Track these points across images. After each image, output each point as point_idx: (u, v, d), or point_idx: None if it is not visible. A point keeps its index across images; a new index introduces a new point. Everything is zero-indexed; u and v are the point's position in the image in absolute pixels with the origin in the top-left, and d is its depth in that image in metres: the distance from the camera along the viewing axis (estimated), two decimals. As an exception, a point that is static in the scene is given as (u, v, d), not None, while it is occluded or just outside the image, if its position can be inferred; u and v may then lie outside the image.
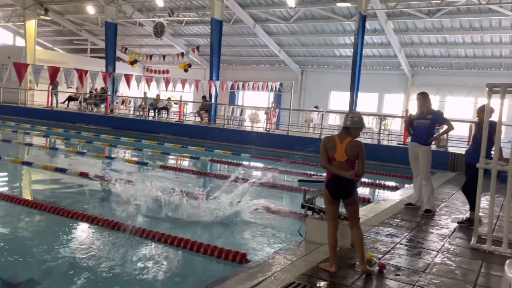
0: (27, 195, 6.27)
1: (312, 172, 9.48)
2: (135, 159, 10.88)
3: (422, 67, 21.63)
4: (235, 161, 11.17)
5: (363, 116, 3.80)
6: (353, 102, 15.60)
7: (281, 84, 22.08)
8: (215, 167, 10.75)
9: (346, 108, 16.87)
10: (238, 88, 19.98)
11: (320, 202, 4.69)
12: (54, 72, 14.93)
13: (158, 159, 11.25)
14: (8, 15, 26.80)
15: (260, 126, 17.66)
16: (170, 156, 11.95)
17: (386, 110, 21.54)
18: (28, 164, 8.81)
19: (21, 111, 20.77)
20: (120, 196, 6.66)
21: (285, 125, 15.82)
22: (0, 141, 12.66)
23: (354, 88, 15.62)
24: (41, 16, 24.26)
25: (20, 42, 29.27)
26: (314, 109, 18.18)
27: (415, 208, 6.11)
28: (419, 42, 19.68)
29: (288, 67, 24.56)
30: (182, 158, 11.86)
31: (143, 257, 4.26)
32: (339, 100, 23.03)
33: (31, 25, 24.02)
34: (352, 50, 17.51)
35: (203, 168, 10.52)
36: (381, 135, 13.70)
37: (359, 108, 17.29)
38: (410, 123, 6.09)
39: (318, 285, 3.33)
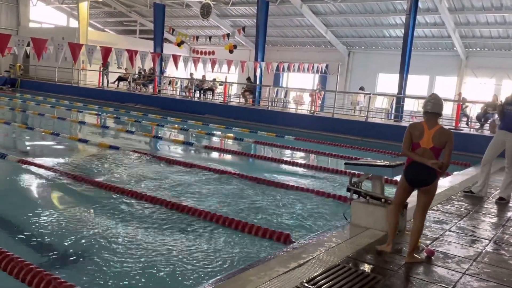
0: (84, 172, 6.58)
1: (357, 156, 9.32)
2: (181, 139, 11.12)
3: (478, 49, 20.48)
4: (279, 143, 11.17)
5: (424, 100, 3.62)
6: (402, 84, 15.09)
7: (327, 66, 21.67)
8: (259, 149, 10.79)
9: (394, 91, 16.35)
10: (283, 69, 19.82)
11: (366, 186, 4.62)
12: (106, 52, 15.41)
13: (203, 139, 11.45)
14: (62, -3, 27.81)
15: (305, 109, 17.48)
16: (214, 137, 12.12)
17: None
18: (84, 141, 9.24)
19: (75, 90, 21.69)
20: (167, 175, 6.87)
21: (330, 107, 15.57)
22: (56, 119, 13.31)
23: (404, 70, 15.08)
24: (93, -2, 24.99)
25: (73, 23, 30.37)
26: (361, 91, 17.74)
27: (472, 197, 5.87)
28: (476, 22, 18.59)
29: (334, 48, 24.02)
30: (226, 139, 12.00)
31: (190, 236, 4.37)
32: (387, 82, 22.34)
33: (84, 6, 24.81)
34: (402, 30, 16.85)
35: (247, 149, 10.59)
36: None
37: (409, 91, 16.72)
38: (501, 110, 5.76)
39: (363, 268, 3.30)
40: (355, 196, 4.38)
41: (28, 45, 13.75)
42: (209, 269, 3.65)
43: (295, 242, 4.06)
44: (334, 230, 4.19)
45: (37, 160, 6.96)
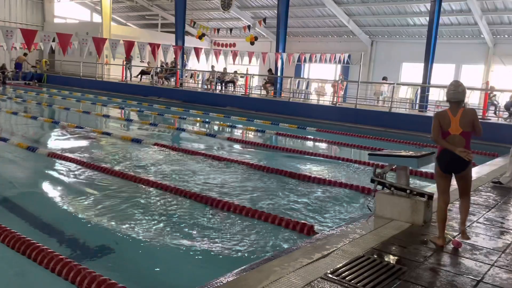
0: (109, 164, 6.71)
1: (381, 147, 9.19)
2: (203, 131, 11.19)
3: (506, 36, 19.82)
4: (300, 135, 11.12)
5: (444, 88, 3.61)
6: (427, 73, 14.78)
7: (349, 56, 21.39)
8: (280, 141, 10.77)
9: (418, 80, 16.03)
10: (304, 60, 19.66)
11: (391, 177, 4.56)
12: (129, 46, 15.59)
13: (224, 132, 11.50)
14: (85, -7, 28.22)
15: (327, 100, 17.33)
16: (236, 129, 12.15)
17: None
18: (108, 134, 9.41)
19: (99, 85, 22.06)
20: (189, 167, 6.93)
21: (353, 98, 15.39)
22: (81, 112, 13.58)
23: (428, 59, 14.76)
24: (116, -7, 25.25)
25: (96, 18, 30.81)
26: (384, 81, 17.46)
27: (500, 188, 5.72)
28: (504, 8, 17.97)
29: (357, 38, 23.66)
30: (247, 131, 12.01)
31: (213, 226, 4.41)
32: (411, 72, 21.91)
33: (107, 1, 25.11)
34: (427, 18, 16.47)
35: (269, 141, 10.58)
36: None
37: (434, 81, 16.36)
38: None
39: (387, 259, 3.27)
40: (379, 187, 4.33)
41: (54, 40, 14.04)
42: (232, 259, 3.68)
43: (318, 233, 4.05)
44: (358, 222, 4.15)
45: (65, 153, 7.12)
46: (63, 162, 6.63)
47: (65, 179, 5.89)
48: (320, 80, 20.59)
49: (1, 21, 25.84)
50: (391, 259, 3.30)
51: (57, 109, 14.09)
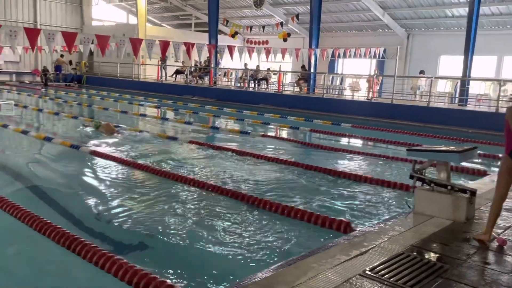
0: (146, 161, 6.87)
1: (418, 143, 8.96)
2: (237, 128, 11.25)
3: (552, 24, 18.89)
4: (335, 131, 10.99)
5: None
6: (467, 66, 14.27)
7: (384, 50, 20.95)
8: (315, 137, 10.69)
9: (458, 73, 15.50)
10: (338, 56, 19.41)
11: (430, 173, 4.44)
12: (164, 46, 15.88)
13: (258, 129, 11.53)
14: (122, -5, 28.97)
15: (361, 95, 17.05)
16: (269, 126, 12.16)
17: (505, 75, 19.32)
18: (146, 132, 9.64)
19: (135, 85, 22.60)
20: (224, 165, 7.00)
21: (389, 93, 15.07)
22: (119, 112, 13.97)
23: (468, 51, 14.26)
24: (151, -6, 25.78)
25: (132, 20, 31.57)
26: (421, 75, 16.99)
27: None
28: (550, -5, 17.13)
29: (392, 32, 23.13)
30: (281, 128, 11.99)
31: (249, 224, 4.44)
32: (450, 65, 21.22)
33: (142, 3, 25.68)
34: (466, 9, 15.91)
35: (303, 138, 10.53)
36: (500, 102, 12.37)
37: (474, 73, 15.79)
38: None
39: (428, 257, 3.19)
40: (418, 183, 4.23)
41: (92, 42, 14.49)
42: (269, 256, 3.69)
43: (355, 230, 4.00)
44: (397, 219, 4.07)
45: (105, 151, 7.35)
46: (104, 159, 6.85)
47: (106, 176, 6.08)
48: (355, 76, 20.27)
49: (42, 25, 26.90)
50: (432, 256, 3.21)
51: (96, 109, 14.54)
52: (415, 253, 3.24)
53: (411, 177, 4.23)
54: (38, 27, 25.93)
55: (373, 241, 3.45)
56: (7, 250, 3.71)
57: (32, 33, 12.05)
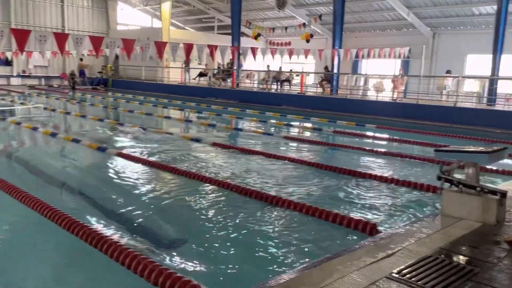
0: (171, 162, 6.96)
1: (445, 144, 8.78)
2: (260, 130, 11.27)
3: None
4: (359, 132, 10.88)
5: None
6: (495, 65, 13.91)
7: (409, 50, 20.62)
8: (338, 138, 10.61)
9: (486, 72, 15.11)
10: (362, 56, 19.22)
11: (458, 174, 4.34)
12: (188, 49, 16.07)
13: (281, 130, 11.52)
14: (146, -1, 29.50)
15: (386, 96, 16.82)
16: (292, 127, 12.13)
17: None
18: (170, 134, 9.76)
19: (159, 87, 22.93)
20: (248, 166, 7.02)
21: (414, 93, 14.83)
22: (144, 114, 14.19)
23: (497, 50, 13.90)
24: (174, -2, 26.15)
25: (156, 23, 32.06)
26: (448, 74, 16.64)
27: None
28: None
29: (417, 31, 22.75)
30: (304, 129, 11.95)
31: (274, 224, 4.44)
32: (477, 64, 20.71)
33: (166, 6, 26.05)
34: (494, 7, 15.48)
35: (327, 139, 10.46)
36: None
37: (503, 72, 15.37)
38: None
39: (457, 260, 3.12)
40: (446, 185, 4.14)
41: (117, 46, 14.78)
42: (294, 257, 3.68)
43: (381, 232, 3.95)
44: (424, 221, 3.99)
45: (131, 153, 7.48)
46: (130, 161, 6.98)
47: (132, 177, 6.18)
48: (379, 76, 20.03)
49: (70, 30, 27.61)
50: (461, 259, 3.14)
51: (121, 111, 14.81)
52: (443, 256, 3.17)
53: (439, 178, 4.15)
54: (66, 32, 26.64)
55: (399, 243, 3.39)
56: (35, 248, 3.81)
57: (60, 38, 12.40)
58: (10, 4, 25.93)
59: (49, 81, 27.66)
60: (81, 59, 25.88)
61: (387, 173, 6.58)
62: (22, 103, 15.48)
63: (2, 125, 10.74)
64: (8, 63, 26.12)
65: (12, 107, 14.02)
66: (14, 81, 26.48)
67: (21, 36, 11.53)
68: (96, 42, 12.95)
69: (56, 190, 5.53)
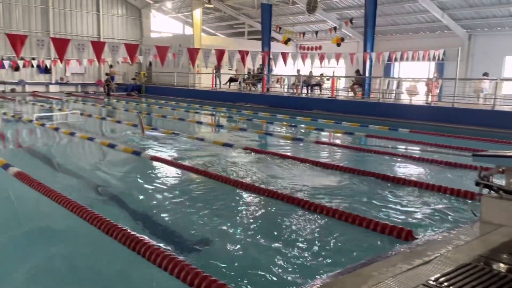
0: (203, 166, 7.04)
1: (483, 148, 8.50)
2: (290, 135, 11.25)
3: None
4: (392, 136, 10.69)
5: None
6: (536, 67, 13.36)
7: (444, 52, 20.15)
8: (371, 143, 10.45)
9: (526, 74, 14.57)
10: (395, 59, 18.90)
11: (498, 179, 4.20)
12: (220, 55, 16.26)
13: (312, 135, 11.46)
14: (178, 6, 30.05)
15: (420, 99, 16.46)
16: (323, 132, 12.05)
17: None
18: (201, 139, 9.89)
19: (191, 93, 23.28)
20: (279, 170, 7.02)
21: (449, 96, 14.44)
22: (176, 120, 14.44)
23: (537, 51, 13.34)
24: (205, 5, 26.55)
25: (188, 30, 32.61)
26: (485, 77, 16.13)
27: None
28: None
29: (452, 33, 22.17)
30: (335, 134, 11.85)
31: (307, 229, 4.42)
32: (516, 66, 20.01)
33: (197, 14, 26.48)
34: (535, 6, 14.92)
35: (359, 143, 10.33)
36: None
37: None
38: None
39: (497, 268, 3.01)
40: (485, 191, 4.01)
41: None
42: (327, 263, 3.65)
43: (417, 238, 3.86)
44: (461, 227, 3.88)
45: (164, 157, 7.63)
46: (163, 164, 7.12)
47: (165, 180, 6.30)
48: (412, 79, 19.63)
49: (105, 38, 28.47)
50: (502, 267, 3.03)
51: (155, 117, 15.12)
52: (482, 264, 3.07)
53: (477, 184, 4.03)
54: (101, 40, 27.49)
55: (436, 250, 3.31)
56: (74, 250, 3.94)
57: (97, 46, 12.81)
58: (49, 14, 27.01)
59: (85, 88, 28.60)
60: (111, 66, 26.67)
61: (422, 179, 6.43)
62: (60, 109, 16.05)
63: (41, 131, 11.17)
64: (47, 71, 27.19)
65: (51, 113, 14.56)
66: (53, 88, 27.53)
67: (61, 45, 11.98)
68: (131, 49, 13.31)
69: (94, 192, 5.70)
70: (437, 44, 21.66)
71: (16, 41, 11.14)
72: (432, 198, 5.47)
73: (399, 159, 8.10)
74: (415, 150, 9.47)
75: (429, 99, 15.32)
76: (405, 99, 17.40)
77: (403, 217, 4.81)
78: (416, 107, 14.69)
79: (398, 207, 5.16)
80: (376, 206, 5.17)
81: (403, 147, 9.72)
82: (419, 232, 4.23)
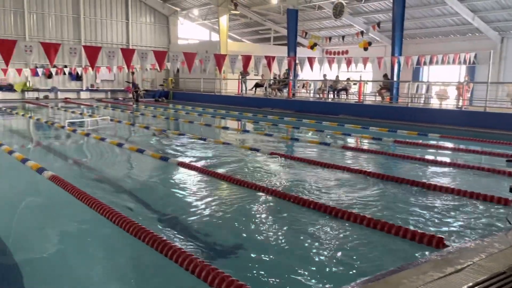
0: (231, 172, 7.08)
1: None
2: (317, 140, 11.18)
3: None
4: (422, 142, 10.47)
5: None
6: None
7: (475, 55, 19.65)
8: (399, 148, 10.26)
9: None
10: (424, 63, 18.55)
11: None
12: (246, 60, 16.37)
13: (339, 140, 11.35)
14: (204, 13, 30.44)
15: (450, 103, 16.09)
16: (350, 137, 11.91)
17: None
18: (228, 144, 9.95)
19: (217, 99, 23.47)
20: (306, 176, 6.98)
21: (481, 100, 14.05)
22: (203, 125, 14.58)
23: None
24: (232, 11, 26.80)
25: (214, 37, 32.98)
26: (519, 81, 15.63)
27: None
28: None
29: (483, 35, 21.60)
30: (363, 139, 11.70)
31: (334, 235, 4.37)
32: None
33: (224, 20, 26.76)
34: None
35: (387, 149, 10.16)
36: None
37: None
38: None
39: (535, 279, 2.89)
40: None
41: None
42: (356, 270, 3.60)
43: (449, 246, 3.76)
44: (495, 235, 3.76)
45: (191, 162, 7.71)
46: (190, 170, 7.19)
47: (193, 185, 6.37)
48: (442, 83, 19.21)
49: (134, 45, 29.13)
50: (540, 278, 2.91)
51: (182, 122, 15.32)
52: (519, 274, 2.96)
53: (511, 190, 3.90)
54: (130, 47, 28.13)
55: (469, 258, 3.22)
56: (107, 255, 4.02)
57: (127, 53, 13.12)
58: (80, 23, 27.86)
59: (115, 94, 29.28)
60: (133, 73, 27.27)
61: (453, 185, 6.27)
62: (90, 115, 16.47)
63: (73, 136, 11.49)
64: (78, 78, 28.01)
65: (82, 119, 14.96)
66: (84, 94, 28.33)
67: (92, 52, 12.33)
68: (160, 56, 13.56)
69: (122, 196, 5.81)
70: (468, 47, 21.14)
71: (50, 49, 11.52)
72: (464, 205, 5.32)
73: (429, 165, 7.93)
74: (445, 155, 9.25)
75: (460, 103, 14.94)
76: (435, 103, 17.03)
77: (433, 224, 4.69)
78: (446, 112, 14.36)
79: (429, 213, 5.04)
80: (405, 212, 5.07)
81: (433, 152, 9.51)
82: (451, 240, 4.13)
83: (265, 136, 11.82)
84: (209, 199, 5.67)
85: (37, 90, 26.65)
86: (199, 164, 7.66)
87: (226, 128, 13.92)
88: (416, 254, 3.83)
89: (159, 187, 6.41)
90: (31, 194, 6.04)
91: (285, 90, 22.75)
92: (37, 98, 26.13)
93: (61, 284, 3.46)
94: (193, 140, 10.71)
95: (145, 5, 30.40)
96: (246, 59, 16.30)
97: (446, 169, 7.57)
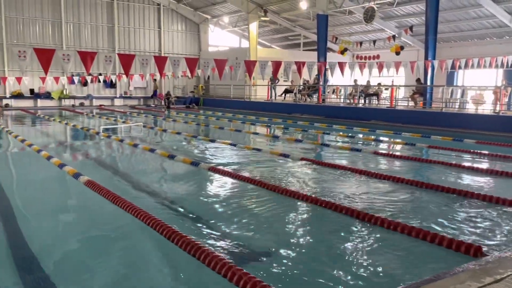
0: (261, 177, 7.10)
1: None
2: (347, 145, 11.05)
3: None
4: (457, 148, 10.18)
5: None
6: None
7: (513, 59, 18.99)
8: (434, 154, 10.01)
9: None
10: (459, 67, 18.07)
11: None
12: (276, 66, 16.42)
13: (370, 146, 11.18)
14: (234, 21, 30.76)
15: (487, 108, 15.58)
16: (382, 143, 11.71)
17: None
18: (258, 150, 9.98)
19: (247, 105, 23.59)
20: (336, 182, 6.91)
21: (520, 105, 13.54)
22: (233, 131, 14.68)
23: None
24: (261, 18, 26.98)
25: (244, 43, 33.24)
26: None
27: None
28: None
29: (521, 38, 20.89)
30: (395, 144, 11.47)
31: (367, 243, 4.30)
32: None
33: (253, 27, 26.96)
34: None
35: (421, 155, 9.93)
36: None
37: None
38: None
39: None
40: None
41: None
42: (390, 278, 3.53)
43: (487, 255, 3.63)
44: (538, 245, 3.60)
45: (222, 167, 7.77)
46: (221, 175, 7.24)
47: (223, 190, 6.42)
48: (478, 87, 18.64)
49: (166, 53, 29.74)
50: None
51: (212, 128, 15.48)
52: None
53: (556, 198, 3.73)
54: (163, 55, 28.74)
55: (509, 268, 3.09)
56: (143, 258, 4.09)
57: (160, 61, 13.41)
58: (114, 32, 28.69)
59: (147, 101, 29.93)
60: (155, 80, 27.75)
61: (491, 192, 6.05)
62: (124, 122, 16.88)
63: (107, 141, 11.80)
64: (112, 85, 28.82)
65: (115, 126, 15.35)
66: (117, 101, 29.11)
67: (126, 60, 12.68)
68: (191, 63, 13.79)
69: (154, 201, 5.91)
70: (505, 50, 20.46)
71: (87, 57, 11.92)
72: (502, 213, 5.13)
73: (465, 171, 7.70)
74: (482, 161, 8.96)
75: (497, 108, 14.44)
76: (470, 108, 16.53)
77: (470, 232, 4.54)
78: (482, 117, 13.91)
79: (465, 221, 4.88)
80: (441, 220, 4.93)
81: (469, 158, 9.22)
82: (489, 249, 3.98)
83: (295, 142, 11.79)
84: (239, 203, 5.69)
85: (73, 97, 27.58)
86: (229, 169, 7.71)
87: (256, 133, 13.96)
88: (453, 263, 3.71)
89: (190, 192, 6.49)
90: (69, 198, 6.25)
91: (314, 96, 22.64)
92: (73, 105, 27.04)
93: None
94: (223, 145, 10.79)
95: (177, 13, 31.02)
96: (276, 65, 16.34)
97: (482, 176, 7.33)
